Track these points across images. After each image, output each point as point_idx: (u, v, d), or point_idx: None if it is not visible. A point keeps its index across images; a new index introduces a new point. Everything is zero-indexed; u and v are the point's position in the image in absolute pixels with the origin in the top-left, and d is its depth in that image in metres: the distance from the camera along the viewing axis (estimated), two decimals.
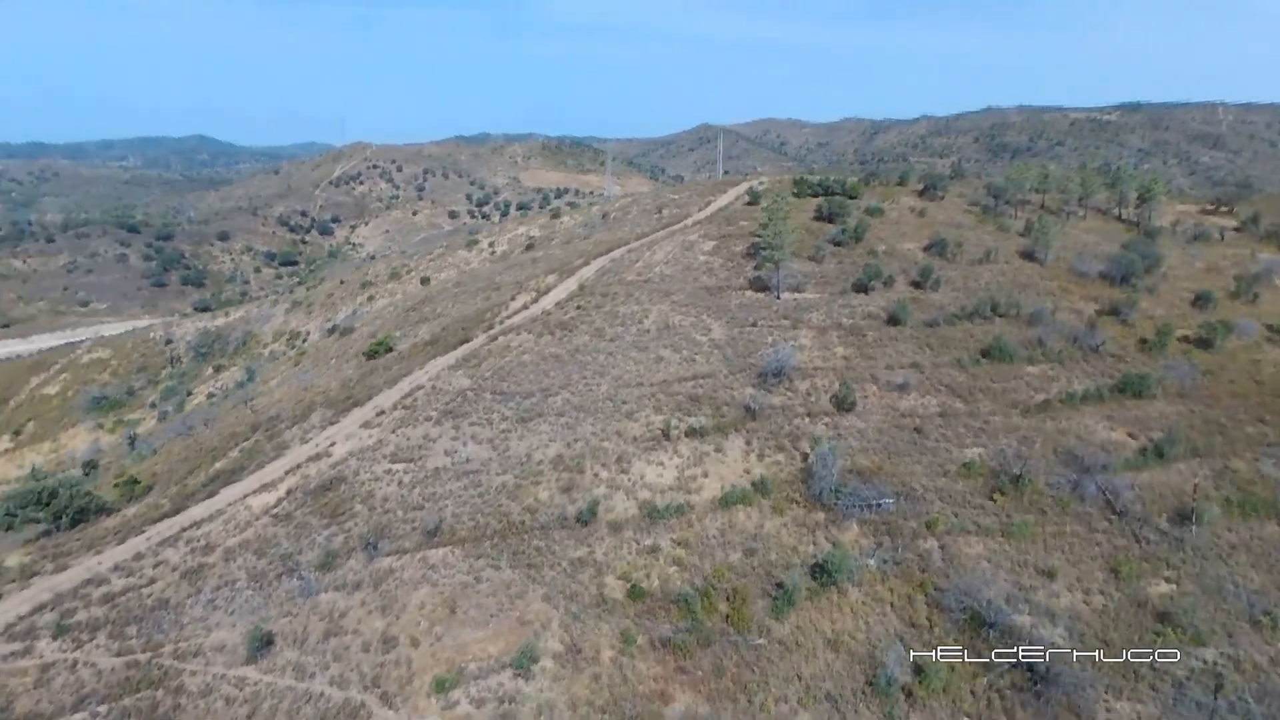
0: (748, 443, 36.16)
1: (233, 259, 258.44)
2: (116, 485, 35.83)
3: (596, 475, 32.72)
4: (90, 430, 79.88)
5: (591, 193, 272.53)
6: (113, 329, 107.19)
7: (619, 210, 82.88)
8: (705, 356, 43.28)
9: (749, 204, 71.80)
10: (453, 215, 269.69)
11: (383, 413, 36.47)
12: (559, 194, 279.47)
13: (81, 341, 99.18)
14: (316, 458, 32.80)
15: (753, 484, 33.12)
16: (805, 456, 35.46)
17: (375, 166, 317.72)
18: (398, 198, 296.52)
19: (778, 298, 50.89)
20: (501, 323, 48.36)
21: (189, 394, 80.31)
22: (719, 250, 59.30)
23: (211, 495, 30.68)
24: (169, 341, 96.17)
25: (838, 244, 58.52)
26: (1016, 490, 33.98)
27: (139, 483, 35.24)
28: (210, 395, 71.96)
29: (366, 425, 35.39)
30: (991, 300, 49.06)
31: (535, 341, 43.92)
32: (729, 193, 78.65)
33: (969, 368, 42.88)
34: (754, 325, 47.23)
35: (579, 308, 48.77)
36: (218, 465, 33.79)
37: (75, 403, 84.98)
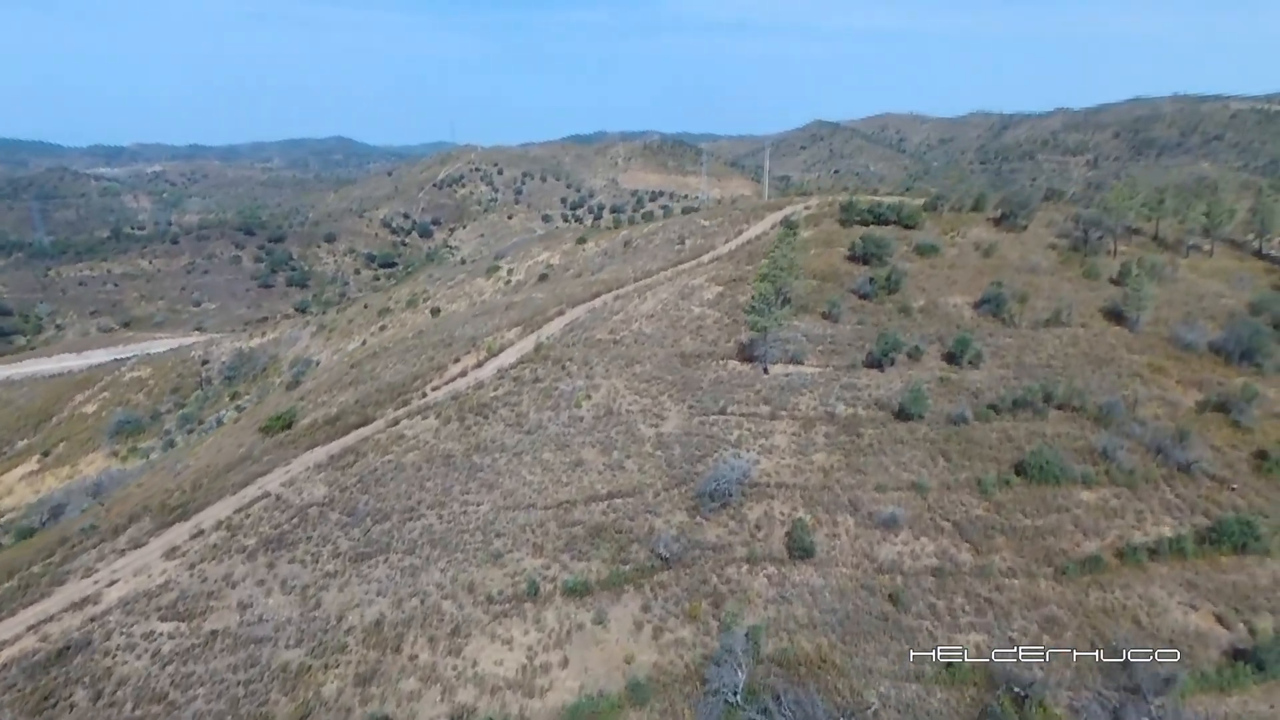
0: (645, 608, 26.66)
1: (336, 260, 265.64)
2: None
3: (414, 658, 24.29)
4: (106, 457, 78.69)
5: (687, 196, 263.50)
6: (163, 344, 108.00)
7: (644, 237, 73.77)
8: (641, 461, 33.82)
9: (784, 235, 61.06)
10: (545, 219, 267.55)
11: (200, 533, 29.49)
12: (654, 197, 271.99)
13: (128, 359, 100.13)
14: (80, 604, 26.22)
15: (629, 685, 23.71)
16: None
17: (477, 169, 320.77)
18: (496, 201, 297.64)
19: (765, 372, 40.61)
20: (423, 396, 40.68)
21: (200, 424, 77.88)
22: (721, 300, 49.32)
23: None
24: (205, 362, 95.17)
25: (864, 296, 47.18)
26: (1019, 717, 22.95)
27: None
28: (187, 434, 68.67)
29: (170, 554, 28.51)
30: (1045, 386, 36.83)
31: (435, 431, 35.91)
32: (767, 219, 67.88)
33: (993, 493, 31.42)
34: (722, 413, 37.26)
35: (515, 379, 40.36)
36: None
37: (103, 425, 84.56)
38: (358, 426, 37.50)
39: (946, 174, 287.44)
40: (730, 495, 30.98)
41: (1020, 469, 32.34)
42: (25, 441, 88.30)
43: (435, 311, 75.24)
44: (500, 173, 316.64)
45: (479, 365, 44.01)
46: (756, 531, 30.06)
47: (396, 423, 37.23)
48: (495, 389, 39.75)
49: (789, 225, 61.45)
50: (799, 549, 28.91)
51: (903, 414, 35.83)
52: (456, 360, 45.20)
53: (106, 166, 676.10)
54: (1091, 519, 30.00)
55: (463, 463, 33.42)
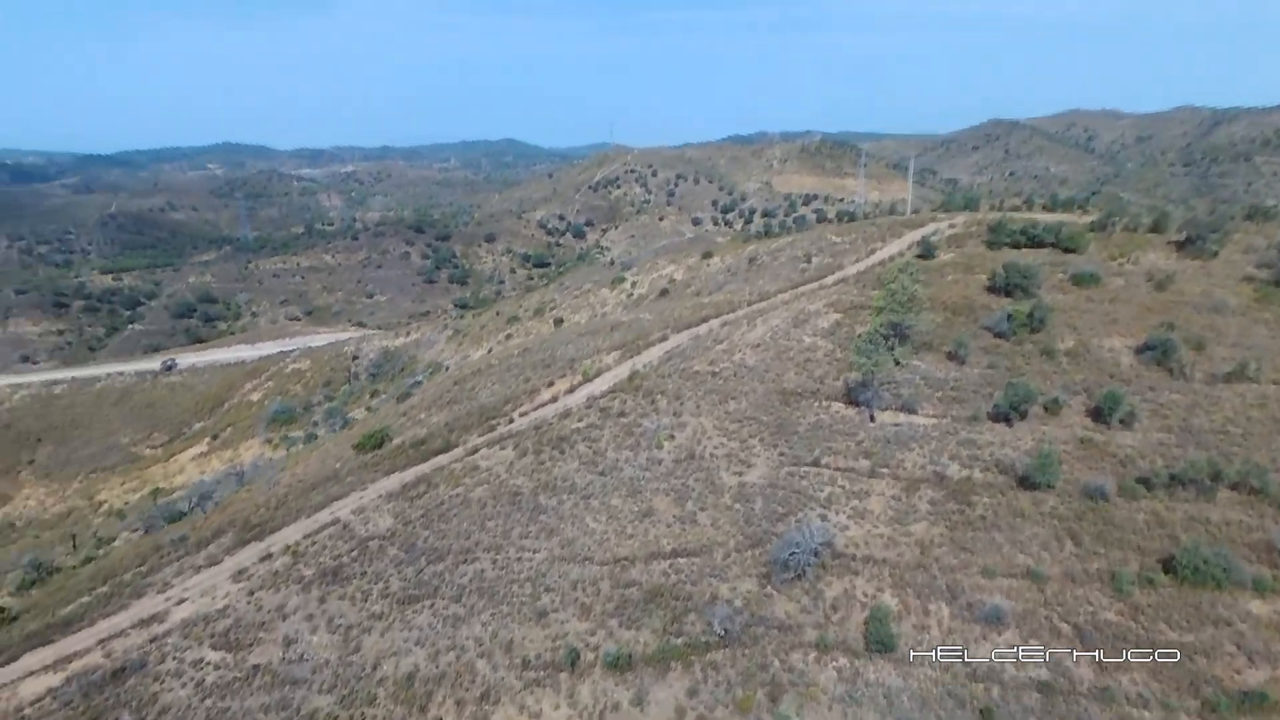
0: (692, 692, 24.06)
1: (494, 259, 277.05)
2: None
3: None
4: (261, 444, 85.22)
5: (842, 200, 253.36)
6: (324, 339, 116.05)
7: (770, 254, 70.01)
8: (716, 515, 31.11)
9: (920, 257, 55.62)
10: (695, 222, 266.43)
11: (268, 557, 30.00)
12: (806, 200, 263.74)
13: (292, 351, 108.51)
14: (147, 621, 27.23)
15: None
16: None
17: (632, 171, 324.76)
18: (649, 202, 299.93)
19: (870, 419, 36.52)
20: (509, 421, 39.96)
21: (344, 419, 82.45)
22: (836, 330, 45.34)
23: (11, 659, 26.37)
24: (355, 358, 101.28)
25: (1000, 334, 41.55)
26: None
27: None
28: (330, 428, 72.35)
29: (238, 576, 29.14)
30: (1215, 459, 30.37)
31: (509, 465, 34.89)
32: (905, 237, 62.30)
33: (1131, 592, 26.06)
34: (815, 464, 33.74)
35: (601, 411, 38.69)
36: (75, 604, 29.67)
37: (262, 413, 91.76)
38: (439, 452, 37.26)
39: (1140, 178, 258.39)
40: (808, 566, 27.64)
41: (1171, 565, 26.68)
42: (201, 424, 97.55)
43: (558, 322, 75.48)
44: (654, 174, 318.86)
45: (571, 391, 42.78)
46: (832, 613, 26.58)
47: (475, 451, 36.63)
48: (579, 420, 38.29)
49: (925, 247, 55.88)
50: (878, 640, 25.19)
51: (1028, 481, 30.79)
52: (550, 384, 44.24)
53: (309, 167, 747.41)
54: (1261, 639, 24.14)
55: (529, 502, 32.15)
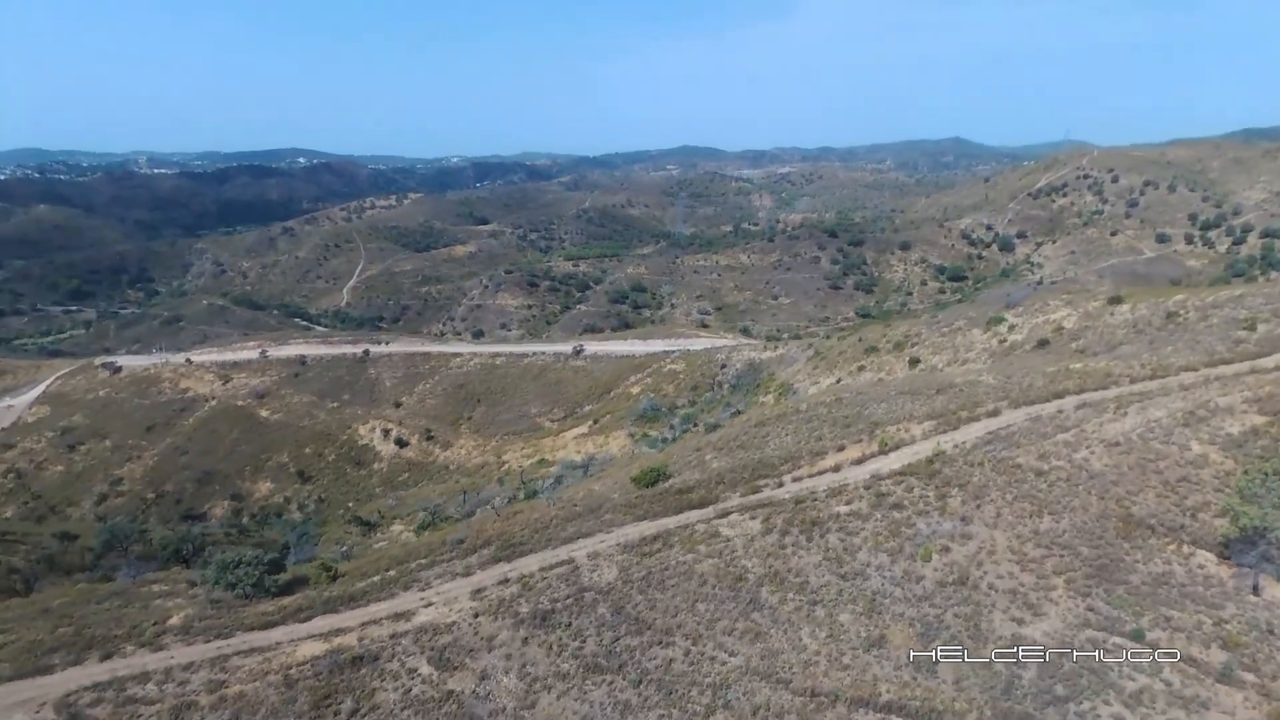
0: None
1: (905, 269, 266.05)
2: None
3: None
4: (626, 437, 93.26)
5: None
6: (705, 343, 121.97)
7: (1199, 310, 53.13)
8: (964, 672, 24.47)
9: None
10: (1161, 239, 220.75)
11: (505, 582, 31.81)
12: None
13: (673, 352, 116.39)
14: (396, 617, 30.73)
15: None
16: None
17: (1085, 176, 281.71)
18: (1101, 213, 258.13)
19: (1254, 592, 25.32)
20: (778, 484, 36.68)
21: (694, 425, 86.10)
22: (1248, 441, 32.81)
23: (308, 618, 31.79)
24: (723, 366, 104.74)
25: None
26: None
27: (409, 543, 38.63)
28: (681, 432, 75.30)
29: (476, 594, 31.40)
30: None
31: (749, 540, 31.82)
32: None
33: None
34: (1137, 638, 24.48)
35: (877, 496, 33.30)
36: (370, 580, 34.88)
37: (635, 407, 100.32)
38: (693, 507, 35.87)
39: None
40: None
41: None
42: (590, 407, 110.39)
43: (913, 362, 68.25)
44: (1114, 180, 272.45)
45: (859, 462, 37.82)
46: None
47: (726, 514, 34.41)
48: (847, 501, 33.54)
49: None
50: None
51: None
52: (841, 447, 39.69)
53: (750, 168, 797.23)
54: None
55: (749, 592, 29.05)
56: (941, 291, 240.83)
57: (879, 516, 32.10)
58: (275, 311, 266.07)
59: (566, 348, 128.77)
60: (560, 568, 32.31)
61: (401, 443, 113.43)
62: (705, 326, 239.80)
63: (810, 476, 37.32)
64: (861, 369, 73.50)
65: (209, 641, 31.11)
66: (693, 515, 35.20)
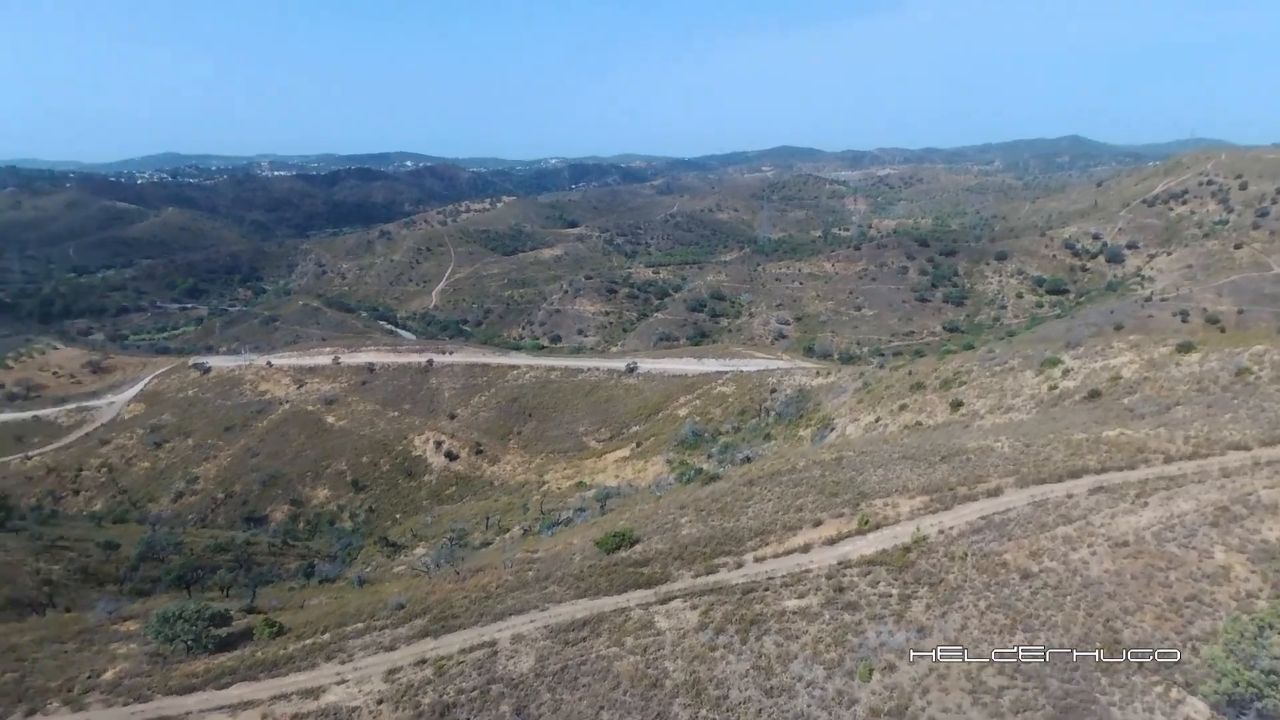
0: None
1: (1000, 281, 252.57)
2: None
3: None
4: (665, 463, 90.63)
5: None
6: (759, 364, 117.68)
7: (1275, 369, 45.86)
8: None
9: None
10: None
11: (422, 663, 29.92)
12: None
13: (726, 373, 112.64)
14: (309, 693, 29.40)
15: None
16: None
17: (1209, 182, 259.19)
18: (1225, 223, 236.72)
19: None
20: (737, 564, 33.36)
21: (735, 455, 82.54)
22: None
23: (186, 691, 30.87)
24: (773, 391, 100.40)
25: None
26: None
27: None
28: (719, 463, 72.00)
29: (389, 675, 29.68)
30: None
31: (680, 636, 28.75)
32: None
33: None
34: None
35: (836, 590, 29.58)
36: (303, 643, 33.79)
37: (677, 432, 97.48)
38: (643, 585, 33.10)
39: None
40: None
41: None
42: (636, 428, 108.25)
43: (955, 406, 62.79)
44: (1242, 186, 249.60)
45: (831, 542, 34.09)
46: None
47: (669, 599, 31.50)
48: (801, 594, 30.04)
49: None
50: None
51: None
52: (818, 523, 35.97)
53: (848, 170, 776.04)
54: None
55: (660, 704, 26.10)
56: (1039, 306, 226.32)
57: (828, 618, 28.53)
58: (364, 314, 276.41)
59: (620, 364, 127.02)
60: (480, 650, 30.25)
61: (451, 456, 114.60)
62: (783, 337, 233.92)
63: (775, 557, 33.89)
64: (903, 408, 68.38)
65: (126, 705, 30.71)
66: (635, 596, 32.46)
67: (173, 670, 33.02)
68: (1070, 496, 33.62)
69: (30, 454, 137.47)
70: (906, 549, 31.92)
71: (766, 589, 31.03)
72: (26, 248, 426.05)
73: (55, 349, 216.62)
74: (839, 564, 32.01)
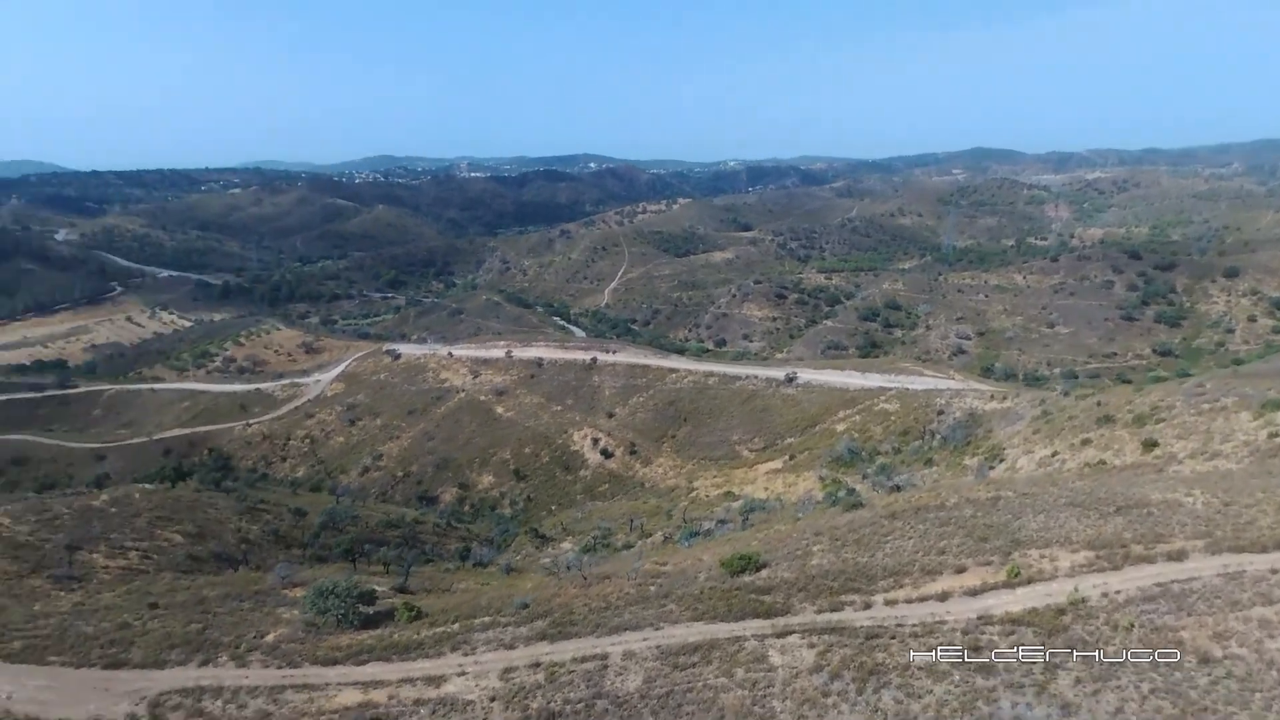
0: None
1: (1228, 301, 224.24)
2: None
3: None
4: (815, 479, 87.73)
5: None
6: (928, 382, 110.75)
7: None
8: None
9: None
10: None
11: (536, 666, 30.53)
12: None
13: (891, 389, 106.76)
14: (430, 680, 30.78)
15: None
16: None
17: None
18: None
19: None
20: (864, 605, 31.20)
21: (892, 479, 78.38)
22: None
23: (330, 662, 32.97)
24: (940, 413, 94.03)
25: None
26: None
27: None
28: (872, 487, 68.63)
29: (505, 674, 30.53)
30: None
31: (792, 675, 27.16)
32: None
33: None
34: None
35: (972, 650, 26.86)
36: (435, 630, 35.42)
37: (832, 448, 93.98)
38: (761, 614, 31.86)
39: None
40: None
41: None
42: (790, 440, 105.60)
43: (1149, 445, 55.69)
44: None
45: (974, 592, 31.10)
46: None
47: (787, 633, 30.06)
48: (929, 648, 27.61)
49: None
50: None
51: None
52: (961, 569, 32.96)
53: (1051, 173, 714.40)
54: None
55: None
56: (1276, 332, 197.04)
57: (958, 679, 26.03)
58: (540, 309, 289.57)
59: (779, 373, 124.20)
60: (591, 662, 30.44)
61: (607, 453, 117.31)
62: (962, 353, 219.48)
63: (908, 601, 31.47)
64: (1086, 443, 61.62)
65: (280, 668, 33.78)
66: (752, 625, 31.32)
67: (322, 641, 36.01)
68: (1275, 572, 28.58)
69: (250, 422, 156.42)
70: (1060, 610, 28.51)
71: (893, 636, 28.86)
72: (263, 239, 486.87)
73: (278, 329, 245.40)
74: (979, 619, 29.18)
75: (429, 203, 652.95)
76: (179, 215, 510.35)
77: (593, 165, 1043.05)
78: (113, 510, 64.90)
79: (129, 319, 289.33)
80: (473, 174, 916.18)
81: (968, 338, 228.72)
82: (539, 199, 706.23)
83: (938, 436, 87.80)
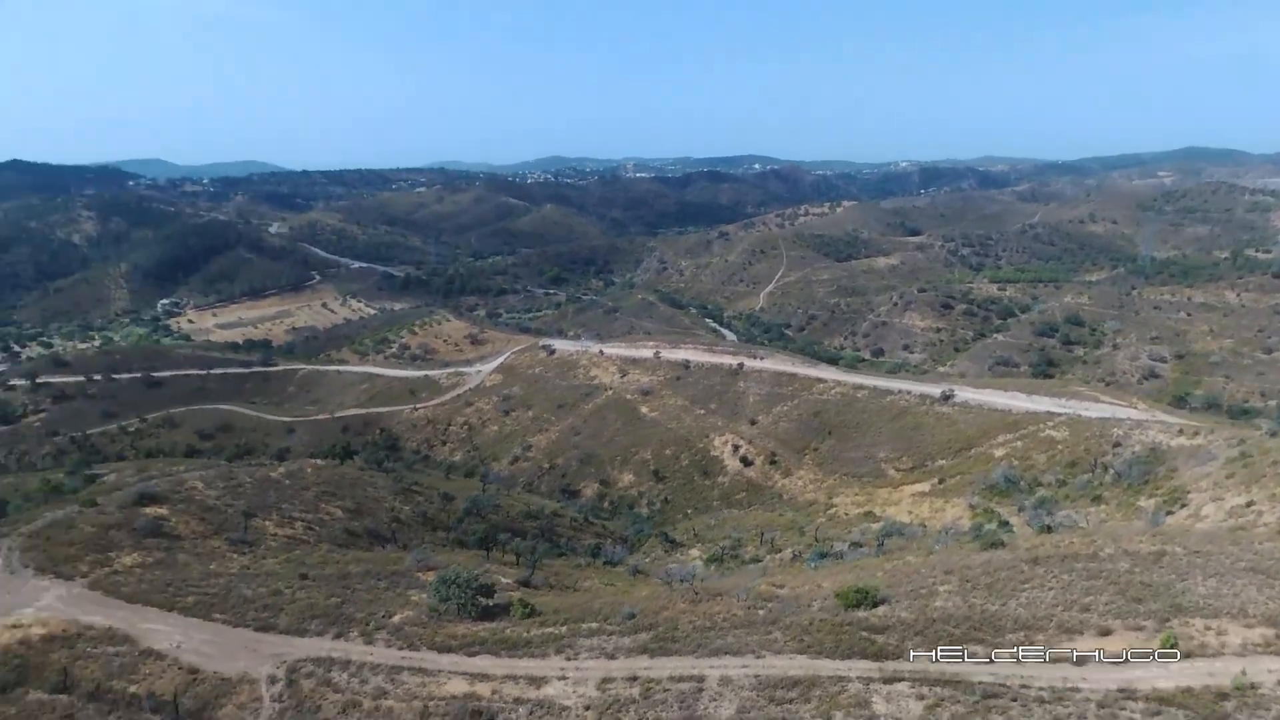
0: None
1: None
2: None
3: None
4: (966, 507, 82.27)
5: None
6: (1103, 410, 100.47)
7: None
8: None
9: None
10: None
11: (634, 680, 30.40)
12: None
13: (1060, 415, 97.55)
14: (532, 681, 31.40)
15: None
16: None
17: None
18: None
19: None
20: (985, 658, 28.57)
21: (1052, 515, 72.04)
22: None
23: (445, 649, 34.14)
24: (1116, 444, 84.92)
25: None
26: None
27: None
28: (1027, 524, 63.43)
29: (602, 684, 30.66)
30: None
31: None
32: None
33: None
34: None
35: None
36: (545, 630, 36.08)
37: (988, 474, 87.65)
38: (870, 655, 30.03)
39: None
40: None
41: None
42: (942, 462, 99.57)
43: None
44: None
45: (1118, 659, 27.62)
46: None
47: (896, 680, 28.17)
48: (1055, 716, 24.90)
49: None
50: None
51: None
52: (1107, 631, 29.49)
53: None
54: None
55: None
56: None
57: None
58: (693, 310, 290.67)
59: (935, 390, 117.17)
60: (687, 683, 30.04)
61: (746, 461, 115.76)
62: (1154, 376, 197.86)
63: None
64: (1274, 495, 53.71)
65: (401, 649, 35.97)
66: (859, 666, 29.66)
67: (441, 627, 37.97)
68: None
69: (417, 406, 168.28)
70: (1222, 695, 24.87)
71: (1015, 698, 26.32)
72: (442, 234, 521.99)
73: (448, 320, 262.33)
74: (1119, 691, 26.02)
75: (594, 202, 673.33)
76: (371, 211, 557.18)
77: (757, 166, 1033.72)
78: (287, 482, 71.89)
79: (324, 305, 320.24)
80: (638, 174, 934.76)
81: (1163, 360, 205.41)
82: (701, 200, 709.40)
83: (1111, 471, 79.48)
